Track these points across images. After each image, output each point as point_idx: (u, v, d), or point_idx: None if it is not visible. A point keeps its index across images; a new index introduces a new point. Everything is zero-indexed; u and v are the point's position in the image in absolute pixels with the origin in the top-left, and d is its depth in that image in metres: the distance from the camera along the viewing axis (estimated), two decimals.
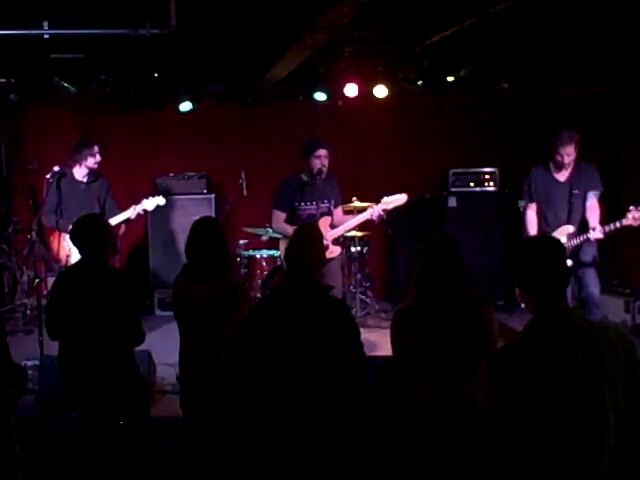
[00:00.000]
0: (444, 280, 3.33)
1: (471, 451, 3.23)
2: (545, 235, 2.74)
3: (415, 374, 3.33)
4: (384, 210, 6.15)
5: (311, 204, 6.06)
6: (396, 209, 6.36)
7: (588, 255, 5.86)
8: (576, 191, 5.84)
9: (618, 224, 5.52)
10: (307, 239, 3.56)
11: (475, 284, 7.87)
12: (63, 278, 4.16)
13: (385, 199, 6.17)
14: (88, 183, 6.68)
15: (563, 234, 5.77)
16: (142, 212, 6.70)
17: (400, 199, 6.18)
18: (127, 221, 6.68)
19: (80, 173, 6.66)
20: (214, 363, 3.89)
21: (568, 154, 5.79)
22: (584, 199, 5.86)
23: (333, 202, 6.20)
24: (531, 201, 6.17)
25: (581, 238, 5.77)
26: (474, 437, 3.22)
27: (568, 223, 5.83)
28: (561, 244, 2.66)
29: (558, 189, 5.93)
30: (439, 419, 3.28)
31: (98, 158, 6.66)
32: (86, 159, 6.60)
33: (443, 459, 3.29)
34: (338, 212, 6.32)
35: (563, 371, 2.40)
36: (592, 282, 5.86)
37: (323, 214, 6.09)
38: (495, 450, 2.50)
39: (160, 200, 6.78)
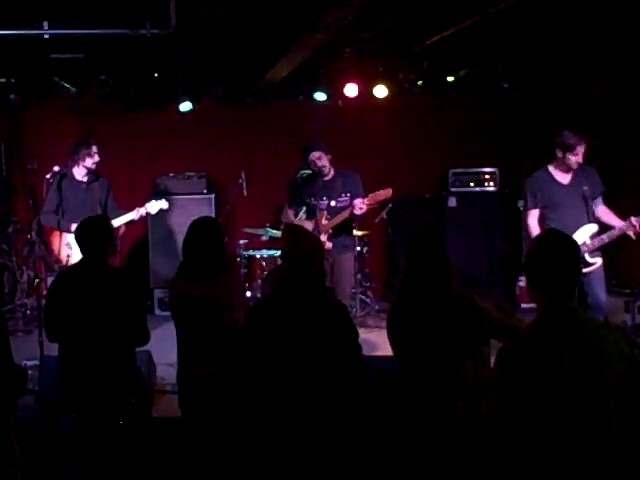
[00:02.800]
0: (422, 276, 3.32)
1: (469, 450, 3.22)
2: (559, 232, 2.70)
3: (406, 369, 3.35)
4: (368, 205, 6.12)
5: (314, 200, 6.19)
6: (396, 210, 6.37)
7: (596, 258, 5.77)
8: (585, 187, 5.74)
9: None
10: (297, 239, 3.56)
11: (475, 284, 7.94)
12: (63, 279, 4.15)
13: (371, 195, 6.17)
14: (89, 183, 6.67)
15: (587, 233, 5.67)
16: (145, 215, 6.74)
17: (384, 193, 6.18)
18: (130, 223, 6.72)
19: (79, 173, 6.64)
20: (211, 362, 3.90)
21: (582, 153, 5.69)
22: (593, 200, 5.80)
23: (346, 196, 6.23)
24: (534, 207, 5.96)
25: (614, 233, 5.63)
26: (472, 436, 3.22)
27: (590, 222, 5.71)
28: (574, 242, 2.63)
29: (567, 192, 5.80)
30: (432, 416, 3.28)
31: (96, 158, 6.60)
32: (84, 159, 6.56)
33: (439, 458, 3.28)
34: (356, 203, 6.32)
35: (566, 369, 2.40)
36: (599, 286, 5.77)
37: (323, 210, 6.15)
38: (497, 448, 2.50)
39: (163, 204, 6.88)
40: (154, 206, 6.77)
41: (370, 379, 4.62)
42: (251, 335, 3.36)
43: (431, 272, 3.32)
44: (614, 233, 5.69)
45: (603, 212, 5.81)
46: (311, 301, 3.39)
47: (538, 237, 2.77)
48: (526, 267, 2.59)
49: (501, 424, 2.48)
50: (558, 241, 2.60)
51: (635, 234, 5.60)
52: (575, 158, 5.73)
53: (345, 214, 6.18)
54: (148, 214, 6.83)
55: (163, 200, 6.92)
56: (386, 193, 6.18)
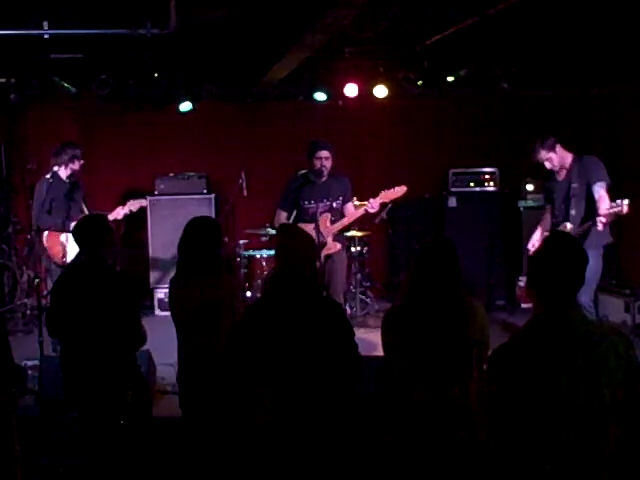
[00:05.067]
0: (435, 283, 3.32)
1: (460, 452, 3.23)
2: (570, 236, 2.63)
3: (402, 374, 3.35)
4: (382, 204, 6.18)
5: (313, 202, 6.17)
6: (396, 210, 6.38)
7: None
8: (575, 185, 5.74)
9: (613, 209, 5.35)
10: (290, 239, 3.56)
11: (475, 284, 7.94)
12: (64, 278, 4.16)
13: (383, 192, 6.20)
14: (71, 184, 6.71)
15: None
16: (128, 212, 6.81)
17: (399, 191, 6.21)
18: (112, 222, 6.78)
19: (64, 174, 6.65)
20: (211, 362, 3.90)
21: (546, 159, 5.80)
22: (586, 193, 5.74)
23: (340, 199, 6.27)
24: (545, 202, 6.28)
25: (584, 227, 5.60)
26: (464, 438, 3.22)
27: (567, 220, 5.74)
28: (583, 250, 2.58)
29: (558, 187, 5.91)
30: (427, 420, 3.28)
31: (82, 161, 6.72)
32: (73, 161, 6.62)
33: (431, 460, 3.29)
34: (348, 207, 6.38)
35: (562, 370, 2.39)
36: (582, 290, 5.70)
37: (324, 212, 6.16)
38: (491, 449, 2.50)
39: (143, 202, 6.99)
40: (135, 204, 6.84)
41: (370, 379, 4.62)
42: (246, 335, 3.36)
43: (443, 277, 3.32)
44: (584, 226, 5.59)
45: (599, 199, 5.59)
46: (306, 300, 3.39)
47: (548, 238, 2.71)
48: (530, 266, 2.57)
49: (493, 427, 2.48)
50: (567, 247, 2.56)
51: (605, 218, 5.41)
52: (545, 165, 5.85)
53: (355, 215, 6.24)
54: (132, 212, 6.86)
55: (142, 199, 7.03)
56: (401, 190, 6.22)
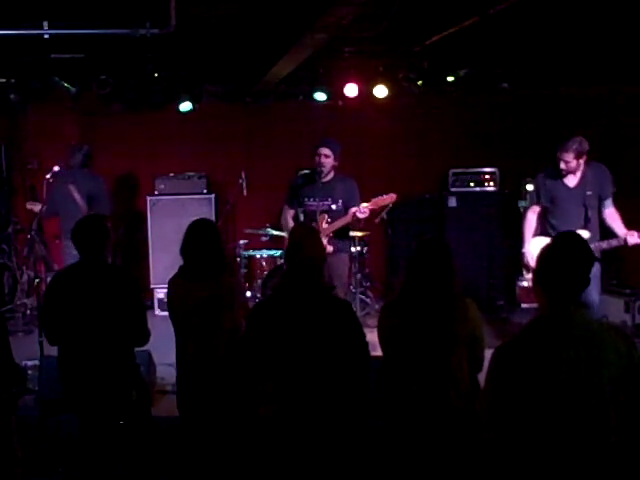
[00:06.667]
0: (427, 281, 3.35)
1: (463, 442, 3.24)
2: (581, 238, 2.62)
3: (397, 367, 3.38)
4: (371, 209, 6.16)
5: (313, 200, 6.20)
6: (396, 210, 6.37)
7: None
8: (589, 192, 5.69)
9: None
10: (303, 239, 3.57)
11: (475, 284, 7.94)
12: (60, 280, 4.12)
13: (374, 199, 6.19)
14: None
15: None
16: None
17: (388, 199, 6.19)
18: None
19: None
20: (210, 363, 3.90)
21: (565, 161, 5.64)
22: (599, 201, 5.75)
23: (341, 202, 6.24)
24: (536, 204, 6.04)
25: (612, 243, 5.63)
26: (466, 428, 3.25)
27: (585, 228, 5.64)
28: (591, 252, 2.60)
29: (570, 195, 5.78)
30: (424, 413, 3.29)
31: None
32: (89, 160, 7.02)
33: (433, 451, 3.30)
34: (352, 211, 6.33)
35: (563, 369, 2.40)
36: (593, 288, 5.73)
37: (323, 212, 6.15)
38: (491, 447, 2.50)
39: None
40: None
41: (371, 379, 4.62)
42: (256, 334, 3.36)
43: (435, 276, 3.33)
44: (612, 243, 5.67)
45: (609, 215, 5.75)
46: (316, 298, 3.39)
47: (558, 237, 2.70)
48: (537, 264, 2.57)
49: (493, 422, 2.48)
50: (576, 247, 2.57)
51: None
52: (559, 161, 5.69)
53: (347, 219, 6.19)
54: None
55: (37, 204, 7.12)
56: (390, 198, 6.19)
